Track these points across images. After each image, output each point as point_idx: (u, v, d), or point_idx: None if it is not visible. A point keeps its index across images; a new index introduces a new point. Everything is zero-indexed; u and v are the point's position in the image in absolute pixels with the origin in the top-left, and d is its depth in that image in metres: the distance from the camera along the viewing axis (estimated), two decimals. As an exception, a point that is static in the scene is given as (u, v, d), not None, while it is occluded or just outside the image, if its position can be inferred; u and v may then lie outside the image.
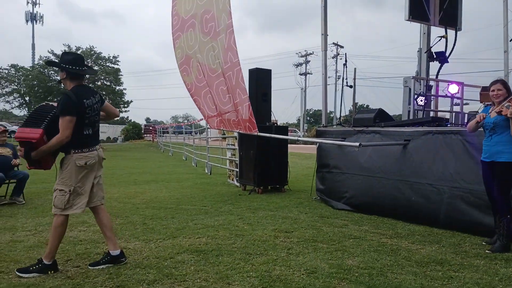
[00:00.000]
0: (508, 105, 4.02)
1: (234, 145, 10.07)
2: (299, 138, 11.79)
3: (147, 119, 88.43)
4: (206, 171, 12.71)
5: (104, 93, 36.45)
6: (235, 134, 9.51)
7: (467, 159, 4.98)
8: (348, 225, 5.37)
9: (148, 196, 7.77)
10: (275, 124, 8.76)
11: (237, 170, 9.16)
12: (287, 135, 9.53)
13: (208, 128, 13.03)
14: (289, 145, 8.93)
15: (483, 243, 4.43)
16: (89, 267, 3.67)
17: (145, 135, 47.48)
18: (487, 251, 4.20)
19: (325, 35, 8.30)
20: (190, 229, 5.07)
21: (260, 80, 8.62)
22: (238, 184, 9.16)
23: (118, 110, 4.31)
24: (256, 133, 7.58)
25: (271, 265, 3.74)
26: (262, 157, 8.17)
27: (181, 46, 9.36)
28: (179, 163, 17.39)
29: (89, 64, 35.10)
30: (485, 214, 4.63)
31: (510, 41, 9.02)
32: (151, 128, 48.27)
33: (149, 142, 40.60)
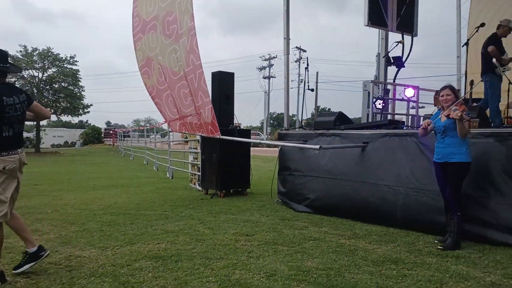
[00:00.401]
0: (455, 109, 4.21)
1: (196, 148, 9.98)
2: (261, 141, 11.85)
3: (108, 123, 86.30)
4: (168, 175, 12.53)
5: (62, 95, 35.21)
6: (198, 138, 9.43)
7: (421, 160, 5.16)
8: (308, 227, 5.43)
9: (107, 202, 7.56)
10: (238, 127, 8.75)
11: (199, 174, 9.08)
12: (249, 138, 9.55)
13: (170, 131, 12.86)
14: (252, 148, 8.96)
15: (436, 241, 4.59)
16: (13, 272, 3.56)
17: (105, 139, 46.31)
18: (438, 247, 4.36)
19: (287, 39, 8.39)
20: (149, 235, 4.97)
21: (223, 83, 8.59)
22: (200, 188, 9.08)
23: (49, 111, 4.06)
24: (218, 136, 7.54)
25: (231, 269, 3.72)
26: (225, 161, 8.14)
27: (142, 48, 9.19)
28: (140, 167, 17.06)
29: (43, 64, 33.82)
30: (437, 213, 4.79)
31: (462, 46, 9.42)
32: (111, 132, 47.15)
33: (109, 146, 39.61)
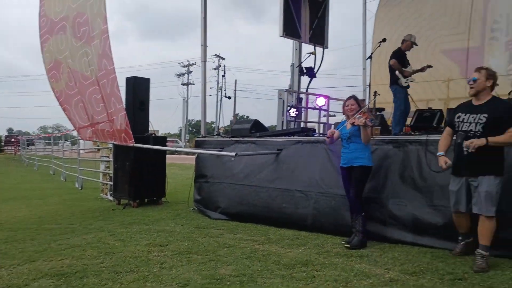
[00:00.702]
0: (359, 117, 4.53)
1: (108, 157, 9.51)
2: (177, 149, 11.67)
3: (10, 130, 78.84)
4: (77, 185, 11.79)
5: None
6: (110, 146, 9.00)
7: (329, 166, 5.46)
8: (223, 234, 5.43)
9: (4, 216, 6.90)
10: (154, 135, 8.52)
11: (111, 183, 8.67)
12: (165, 145, 9.34)
13: (79, 139, 12.13)
14: (170, 155, 8.78)
15: (342, 242, 4.84)
16: None
17: (5, 148, 42.30)
18: (345, 245, 4.62)
19: (204, 46, 8.37)
20: (52, 251, 4.61)
21: (138, 89, 8.31)
22: (112, 199, 8.66)
23: None
24: (132, 144, 7.28)
25: (141, 282, 3.58)
26: (139, 169, 7.86)
27: (50, 50, 8.59)
28: (46, 177, 15.86)
29: None
30: (344, 216, 5.07)
31: (367, 59, 10.14)
32: (13, 139, 43.24)
33: (11, 155, 36.20)
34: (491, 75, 3.91)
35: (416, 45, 7.26)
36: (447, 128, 4.23)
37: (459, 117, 4.00)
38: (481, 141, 3.70)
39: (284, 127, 8.29)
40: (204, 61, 8.43)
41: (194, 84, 52.37)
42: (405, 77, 6.96)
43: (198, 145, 7.77)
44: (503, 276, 3.58)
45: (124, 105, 7.58)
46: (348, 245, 4.62)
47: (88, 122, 7.95)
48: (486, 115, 3.79)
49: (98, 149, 10.99)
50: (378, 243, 4.75)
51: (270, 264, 4.06)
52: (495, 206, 3.79)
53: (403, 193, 4.83)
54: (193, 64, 52.07)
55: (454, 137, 4.13)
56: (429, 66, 7.40)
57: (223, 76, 8.89)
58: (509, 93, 7.14)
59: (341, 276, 3.67)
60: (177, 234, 5.45)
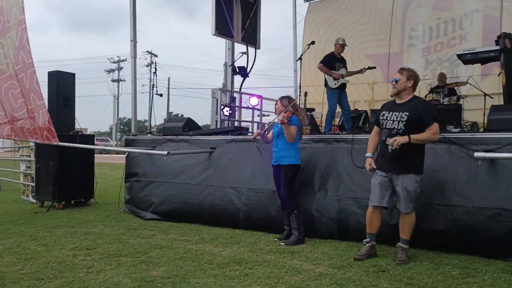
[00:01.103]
0: (283, 114, 4.67)
1: (29, 156, 8.88)
2: (105, 148, 11.19)
3: None
4: (-6, 187, 10.87)
5: None
6: (31, 144, 8.40)
7: (261, 163, 5.59)
8: (156, 235, 5.31)
9: None
10: (80, 133, 8.09)
11: (33, 184, 8.10)
12: (93, 144, 8.93)
13: (-4, 137, 11.18)
14: (101, 155, 8.40)
15: (275, 239, 4.96)
16: None
17: None
18: (281, 244, 4.73)
19: (134, 41, 8.13)
20: (-36, 259, 4.22)
21: (62, 84, 7.83)
22: (34, 201, 8.10)
23: None
24: (56, 143, 6.87)
25: (66, 288, 3.40)
26: (64, 169, 7.42)
27: (-41, 41, 7.83)
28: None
29: None
30: (275, 211, 5.23)
31: (297, 61, 10.44)
32: None
33: None
34: (412, 76, 4.11)
35: (346, 45, 7.56)
36: (375, 127, 4.35)
37: (383, 115, 4.19)
38: (404, 139, 3.89)
39: (218, 126, 8.29)
40: (134, 57, 8.20)
41: (125, 81, 50.37)
42: (334, 79, 7.26)
43: (128, 143, 7.52)
44: (421, 267, 3.87)
45: (47, 102, 7.15)
46: (283, 243, 4.74)
47: (6, 119, 7.36)
48: (407, 113, 4.00)
49: (18, 148, 10.20)
50: (309, 239, 4.91)
51: (203, 263, 4.04)
52: (413, 203, 4.03)
53: (330, 188, 5.08)
54: (123, 60, 50.10)
55: None
56: (370, 68, 7.75)
57: (154, 73, 8.75)
58: (426, 96, 7.75)
59: (273, 273, 3.75)
60: (106, 236, 5.23)
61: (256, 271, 3.79)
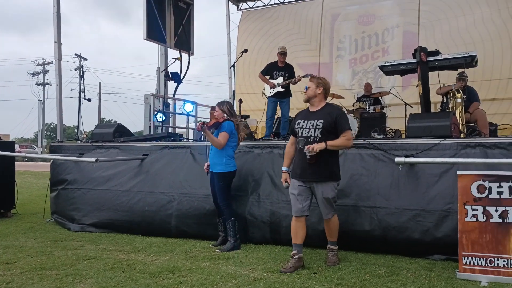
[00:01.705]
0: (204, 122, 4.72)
1: None
2: (27, 155, 10.46)
3: None
4: None
5: None
6: None
7: (195, 168, 5.58)
8: (84, 246, 5.05)
9: None
10: (-3, 139, 7.49)
11: None
12: (13, 151, 8.30)
13: None
14: (25, 163, 7.80)
15: (210, 246, 4.95)
16: None
17: None
18: (217, 251, 4.71)
19: (58, 43, 7.72)
20: None
21: (-24, 87, 7.23)
22: None
23: None
24: (-32, 150, 6.30)
25: (-18, 307, 3.13)
26: (-21, 178, 6.82)
27: None
28: None
29: None
30: (209, 216, 5.22)
31: (230, 68, 10.54)
32: None
33: None
34: (321, 83, 4.20)
35: (286, 53, 7.67)
36: (291, 137, 4.33)
37: (298, 123, 4.25)
38: (321, 145, 3.96)
39: (152, 132, 8.10)
40: (59, 59, 7.79)
41: (51, 85, 47.37)
42: (270, 87, 7.43)
43: (53, 150, 7.09)
44: (350, 267, 4.07)
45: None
46: (218, 250, 4.72)
47: None
48: (322, 121, 4.10)
49: None
50: (244, 245, 4.95)
51: (135, 273, 3.92)
52: (333, 207, 4.13)
53: (263, 192, 5.19)
54: (49, 63, 47.19)
55: None
56: (306, 76, 7.78)
57: (81, 76, 8.27)
58: (353, 105, 8.15)
59: (207, 279, 3.73)
60: (29, 249, 4.88)
61: (190, 279, 3.75)
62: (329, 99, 8.49)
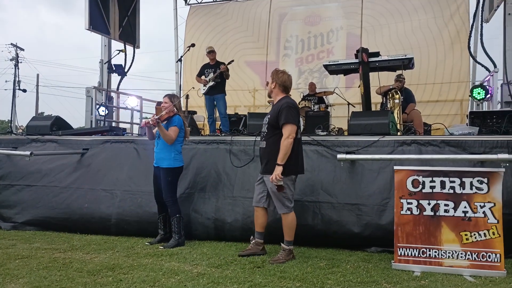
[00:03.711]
0: (162, 114, 4.57)
1: None
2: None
3: None
4: None
5: None
6: None
7: (139, 164, 5.43)
8: (16, 245, 4.75)
9: None
10: None
11: None
12: None
13: None
14: None
15: (146, 243, 4.81)
16: None
17: None
18: (160, 247, 4.60)
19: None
20: None
21: None
22: None
23: None
24: None
25: None
26: None
27: None
28: None
29: None
30: (150, 213, 5.09)
31: (176, 62, 10.38)
32: None
33: None
34: (274, 78, 4.22)
35: (213, 51, 7.65)
36: None
37: (264, 120, 4.34)
38: (277, 170, 3.91)
39: (93, 126, 7.79)
40: (-8, 47, 7.28)
41: (-20, 75, 44.03)
42: (204, 85, 7.47)
43: (-18, 144, 6.60)
44: (293, 261, 4.11)
45: None
46: (162, 247, 4.62)
47: None
48: (269, 116, 4.18)
49: None
50: (188, 241, 4.88)
51: (72, 272, 3.74)
52: (286, 204, 4.10)
53: (209, 187, 5.16)
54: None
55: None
56: (229, 63, 7.71)
57: (16, 65, 7.79)
58: (299, 103, 8.30)
59: (149, 276, 3.64)
60: (-49, 250, 4.51)
61: (131, 276, 3.64)
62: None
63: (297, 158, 4.18)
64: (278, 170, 3.93)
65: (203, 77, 7.52)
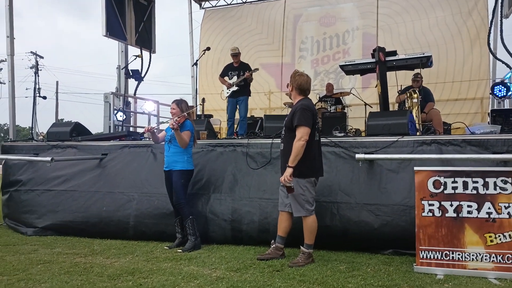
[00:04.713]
0: (176, 119, 4.63)
1: None
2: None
3: None
4: None
5: None
6: None
7: (155, 168, 5.46)
8: (38, 250, 4.83)
9: None
10: None
11: None
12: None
13: None
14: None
15: (165, 247, 4.83)
16: None
17: None
18: (178, 251, 4.63)
19: (11, 37, 7.41)
20: None
21: None
22: None
23: None
24: None
25: None
26: None
27: None
28: None
29: None
30: (167, 215, 5.11)
31: (192, 66, 10.43)
32: None
33: None
34: (292, 81, 4.22)
35: (238, 52, 7.68)
36: None
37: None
38: (287, 172, 3.91)
39: (112, 132, 7.88)
40: (11, 54, 7.46)
41: (4, 83, 44.92)
42: (227, 88, 7.47)
43: (5, 150, 6.74)
44: (312, 264, 4.08)
45: None
46: (180, 250, 4.64)
47: None
48: (286, 119, 4.20)
49: None
50: (207, 245, 4.90)
51: (93, 276, 3.78)
52: (305, 207, 4.05)
53: (225, 189, 5.15)
54: (3, 61, 44.81)
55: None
56: (254, 70, 7.72)
57: (36, 72, 7.93)
58: (315, 104, 8.25)
59: (169, 280, 3.65)
60: (-24, 255, 4.61)
61: (150, 280, 3.66)
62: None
63: (316, 160, 4.17)
64: (289, 172, 3.93)
65: (226, 78, 7.51)
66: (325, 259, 4.31)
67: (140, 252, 4.66)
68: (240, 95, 7.50)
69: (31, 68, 41.59)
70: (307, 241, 4.15)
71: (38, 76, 7.95)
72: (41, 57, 42.91)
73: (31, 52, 40.94)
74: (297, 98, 4.23)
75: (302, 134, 3.98)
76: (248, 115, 9.39)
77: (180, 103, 4.91)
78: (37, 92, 8.09)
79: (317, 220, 4.18)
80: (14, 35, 7.48)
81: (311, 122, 4.06)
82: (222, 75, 7.60)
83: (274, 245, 4.30)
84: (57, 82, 37.17)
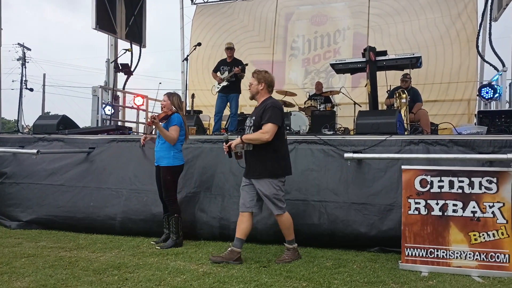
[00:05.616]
0: (153, 115, 4.61)
1: None
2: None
3: None
4: None
5: None
6: None
7: (145, 163, 5.41)
8: (22, 243, 4.76)
9: None
10: None
11: None
12: None
13: None
14: None
15: (152, 242, 4.80)
16: None
17: None
18: (157, 247, 4.58)
19: (-2, 28, 7.26)
20: None
21: None
22: None
23: None
24: None
25: None
26: None
27: None
28: None
29: None
30: (156, 212, 5.07)
31: (182, 61, 10.37)
32: None
33: None
34: (262, 79, 4.05)
35: (232, 48, 7.64)
36: None
37: (246, 122, 4.24)
38: (236, 141, 3.94)
39: (99, 125, 7.80)
40: (-1, 45, 7.33)
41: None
42: (218, 83, 7.42)
43: (-11, 143, 6.63)
44: (299, 261, 4.10)
45: None
46: (159, 247, 4.58)
47: None
48: (254, 117, 4.07)
49: None
50: (194, 241, 4.88)
51: (78, 271, 3.74)
52: (278, 206, 4.00)
53: (215, 187, 5.12)
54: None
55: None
56: (245, 65, 7.68)
57: (23, 64, 7.83)
58: (305, 103, 8.26)
59: (155, 275, 3.63)
60: (-42, 248, 4.53)
61: (136, 275, 3.63)
62: (281, 97, 8.68)
63: (285, 159, 4.11)
64: (237, 141, 3.96)
65: (218, 73, 7.47)
66: (312, 255, 4.32)
67: (126, 247, 4.63)
68: (231, 92, 7.46)
69: (18, 60, 41.00)
70: (288, 238, 4.15)
71: (25, 68, 7.83)
72: (29, 49, 42.30)
73: (18, 43, 40.32)
74: (265, 96, 4.10)
75: (269, 130, 3.87)
76: (238, 112, 9.36)
77: (171, 96, 4.81)
78: (23, 84, 7.97)
79: (303, 218, 4.19)
80: (2, 26, 7.37)
81: (281, 121, 4.00)
82: (215, 70, 7.55)
83: (229, 249, 4.08)
84: (44, 75, 36.74)
